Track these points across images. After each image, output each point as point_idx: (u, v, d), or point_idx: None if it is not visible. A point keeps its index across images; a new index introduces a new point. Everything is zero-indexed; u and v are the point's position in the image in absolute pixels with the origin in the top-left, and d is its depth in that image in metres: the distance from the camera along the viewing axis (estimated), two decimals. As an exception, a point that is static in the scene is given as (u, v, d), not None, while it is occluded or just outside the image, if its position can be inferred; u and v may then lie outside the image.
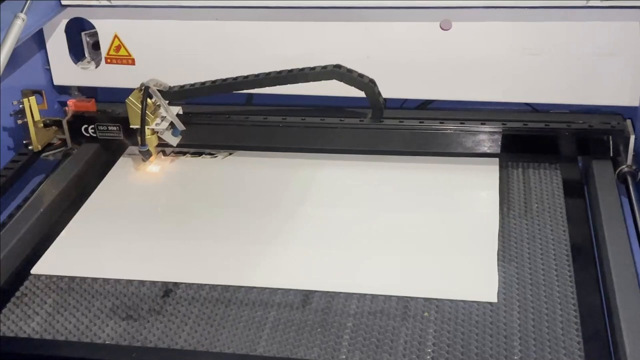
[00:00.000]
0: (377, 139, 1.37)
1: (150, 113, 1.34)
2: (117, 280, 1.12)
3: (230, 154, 1.43)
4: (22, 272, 1.16)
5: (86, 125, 1.44)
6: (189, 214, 1.27)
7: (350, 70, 1.32)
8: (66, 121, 1.43)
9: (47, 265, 1.16)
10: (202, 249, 1.18)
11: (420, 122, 1.35)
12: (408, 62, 1.38)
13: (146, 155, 1.36)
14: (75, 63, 1.49)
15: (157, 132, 1.36)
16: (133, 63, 1.46)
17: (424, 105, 1.47)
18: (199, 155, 1.43)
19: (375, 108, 1.36)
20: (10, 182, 1.35)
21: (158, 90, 1.35)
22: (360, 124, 1.37)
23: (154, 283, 1.12)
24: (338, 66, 1.32)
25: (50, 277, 1.14)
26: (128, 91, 1.34)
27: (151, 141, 1.36)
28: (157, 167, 1.40)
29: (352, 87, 1.33)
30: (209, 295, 1.09)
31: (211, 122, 1.41)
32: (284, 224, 1.22)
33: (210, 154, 1.43)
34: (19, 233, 1.20)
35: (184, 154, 1.44)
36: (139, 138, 1.34)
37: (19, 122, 1.40)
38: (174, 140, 1.38)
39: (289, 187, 1.32)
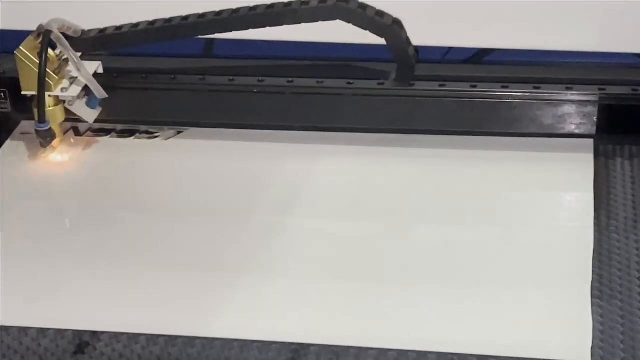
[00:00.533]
0: (405, 113, 1.40)
1: (53, 72, 1.37)
2: (5, 329, 1.13)
3: (178, 132, 1.46)
4: None
5: (-45, 91, 1.47)
6: (115, 228, 1.30)
7: (363, 6, 1.35)
8: None
9: None
10: (134, 282, 1.21)
11: (472, 87, 1.38)
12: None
13: (47, 137, 1.38)
14: (-61, -10, 1.53)
15: (65, 102, 1.39)
16: (33, -9, 1.50)
17: (478, 57, 1.50)
18: (131, 135, 1.47)
19: (402, 64, 1.39)
20: None
21: (65, 36, 1.37)
22: (379, 88, 1.40)
23: (60, 332, 1.13)
24: None
25: None
26: (21, 36, 1.36)
27: (54, 116, 1.39)
28: (64, 154, 1.43)
29: (367, 32, 1.35)
30: (145, 351, 1.10)
31: (148, 85, 1.44)
32: (262, 244, 1.25)
33: (147, 132, 1.47)
34: None
35: (108, 132, 1.47)
36: (35, 111, 1.37)
37: None
38: (89, 115, 1.41)
39: (269, 187, 1.35)
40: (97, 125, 1.46)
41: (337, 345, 1.09)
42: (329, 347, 1.09)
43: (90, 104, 1.40)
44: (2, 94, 1.45)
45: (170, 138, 1.46)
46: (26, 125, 1.45)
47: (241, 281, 1.20)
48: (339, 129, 1.42)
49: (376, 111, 1.40)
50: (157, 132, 1.47)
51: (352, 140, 1.42)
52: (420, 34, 1.39)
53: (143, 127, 1.47)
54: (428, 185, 1.35)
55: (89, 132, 1.47)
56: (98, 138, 1.47)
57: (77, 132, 1.47)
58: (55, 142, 1.41)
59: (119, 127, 1.47)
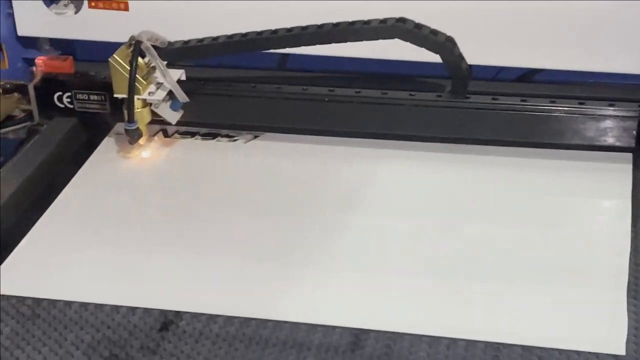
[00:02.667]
0: (461, 123, 1.42)
1: (142, 78, 1.40)
2: (99, 306, 1.18)
3: (255, 137, 1.49)
4: (-31, 290, 1.21)
5: (60, 93, 1.51)
6: (197, 220, 1.33)
7: (419, 26, 1.37)
8: (33, 86, 1.50)
9: (3, 281, 1.22)
10: (214, 268, 1.24)
11: (522, 101, 1.41)
12: (506, 15, 1.42)
13: (134, 135, 1.42)
14: (48, 6, 1.54)
15: (151, 105, 1.43)
16: (126, 8, 1.52)
17: (528, 76, 1.50)
18: (213, 138, 1.50)
19: (456, 77, 1.41)
20: (-44, 168, 1.41)
21: (153, 46, 1.40)
22: (438, 100, 1.43)
23: (148, 311, 1.17)
24: (402, 20, 1.36)
25: (7, 297, 1.19)
26: (118, 47, 1.40)
27: (142, 116, 1.43)
28: (153, 152, 1.47)
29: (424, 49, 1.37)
30: (222, 330, 1.13)
31: (227, 92, 1.48)
32: (328, 238, 1.28)
33: (228, 136, 1.50)
34: (-34, 237, 1.27)
35: (193, 135, 1.51)
36: (125, 112, 1.40)
37: (-30, 85, 1.48)
38: (172, 116, 1.44)
39: (337, 187, 1.38)
40: (183, 129, 1.50)
41: (394, 332, 1.11)
42: (386, 333, 1.11)
43: (173, 107, 1.44)
44: (102, 97, 1.49)
45: (249, 142, 1.49)
46: (120, 126, 1.48)
47: (308, 271, 1.22)
48: (401, 137, 1.44)
49: (434, 121, 1.43)
50: (236, 136, 1.50)
51: (411, 147, 1.44)
52: (474, 54, 1.40)
53: (224, 131, 1.51)
54: (478, 188, 1.36)
55: (175, 134, 1.51)
56: (183, 140, 1.50)
57: (166, 134, 1.51)
58: (141, 140, 1.44)
59: (203, 130, 1.51)
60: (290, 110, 1.47)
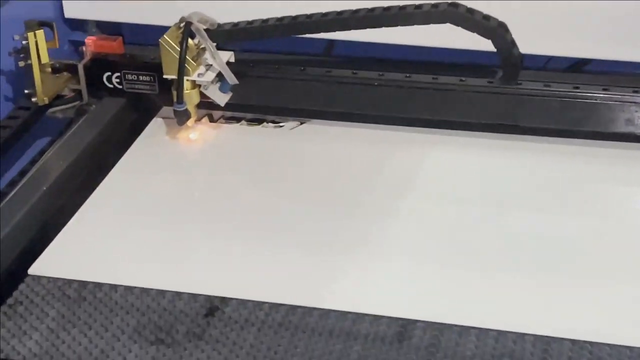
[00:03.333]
0: (512, 109, 1.40)
1: (192, 59, 1.39)
2: (145, 290, 1.16)
3: (302, 123, 1.48)
4: (16, 271, 1.20)
5: (109, 73, 1.50)
6: (245, 205, 1.31)
7: (471, 10, 1.34)
8: (83, 66, 1.50)
9: (50, 263, 1.21)
10: (261, 254, 1.22)
11: (574, 88, 1.38)
12: (556, 3, 1.39)
13: (182, 116, 1.40)
14: (95, -12, 1.55)
15: (200, 86, 1.41)
16: (172, -9, 1.52)
17: (578, 66, 1.48)
18: (259, 124, 1.48)
19: (507, 63, 1.38)
20: (5, 147, 1.41)
21: (204, 28, 1.38)
22: (489, 86, 1.40)
23: (194, 296, 1.15)
24: (454, 4, 1.33)
25: (54, 280, 1.18)
26: (165, 30, 1.38)
27: (191, 98, 1.41)
28: (200, 136, 1.45)
29: (475, 35, 1.34)
30: (268, 317, 1.12)
31: (277, 75, 1.47)
32: (376, 225, 1.25)
33: (274, 122, 1.48)
34: (13, 219, 1.25)
35: (239, 120, 1.49)
36: (174, 93, 1.39)
37: (21, 64, 1.46)
38: (221, 98, 1.43)
39: (385, 173, 1.35)
40: (229, 114, 1.49)
41: (442, 323, 1.09)
42: (434, 324, 1.09)
43: (222, 89, 1.42)
44: (151, 78, 1.48)
45: (295, 127, 1.47)
46: (167, 110, 1.47)
47: (356, 259, 1.20)
48: (451, 123, 1.42)
49: (485, 106, 1.41)
50: (282, 122, 1.48)
51: (462, 134, 1.42)
52: (522, 43, 1.37)
53: (270, 117, 1.49)
54: (530, 177, 1.33)
55: (221, 119, 1.50)
56: (230, 124, 1.49)
57: (211, 119, 1.50)
58: (190, 122, 1.42)
59: (249, 116, 1.50)
60: (340, 94, 1.45)
